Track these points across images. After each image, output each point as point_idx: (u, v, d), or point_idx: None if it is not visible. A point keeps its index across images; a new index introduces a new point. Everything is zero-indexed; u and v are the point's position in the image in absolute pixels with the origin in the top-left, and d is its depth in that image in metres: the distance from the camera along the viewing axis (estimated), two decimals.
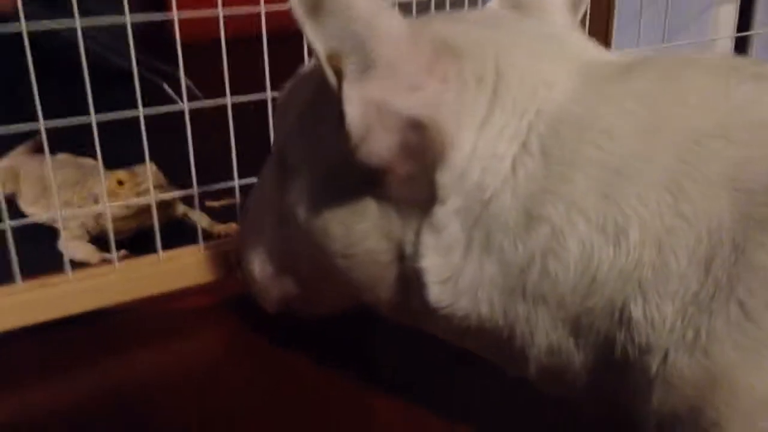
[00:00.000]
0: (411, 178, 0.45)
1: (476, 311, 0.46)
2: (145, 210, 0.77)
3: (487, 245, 0.44)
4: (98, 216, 0.81)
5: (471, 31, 0.47)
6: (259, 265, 0.63)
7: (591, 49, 0.49)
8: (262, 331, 0.71)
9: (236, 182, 0.76)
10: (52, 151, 0.94)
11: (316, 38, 0.42)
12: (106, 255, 0.78)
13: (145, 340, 0.71)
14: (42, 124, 0.63)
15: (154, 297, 0.73)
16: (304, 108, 0.53)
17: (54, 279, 0.68)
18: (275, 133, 0.60)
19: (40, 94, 0.63)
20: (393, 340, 0.71)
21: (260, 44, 0.72)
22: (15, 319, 0.66)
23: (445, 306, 0.47)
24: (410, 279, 0.49)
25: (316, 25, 0.42)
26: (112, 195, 0.78)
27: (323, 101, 0.50)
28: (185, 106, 0.70)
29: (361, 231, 0.49)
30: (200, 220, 0.82)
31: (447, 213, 0.45)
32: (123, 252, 0.77)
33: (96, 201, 0.81)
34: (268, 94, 0.73)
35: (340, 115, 0.44)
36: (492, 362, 0.51)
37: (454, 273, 0.46)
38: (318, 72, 0.52)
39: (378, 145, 0.44)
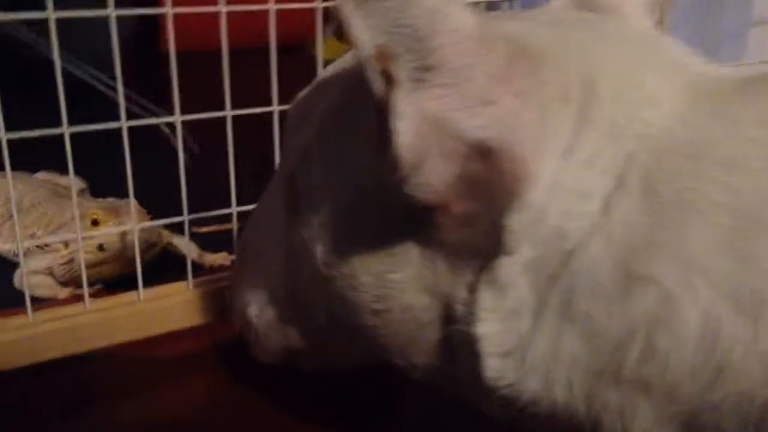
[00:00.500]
0: (470, 219, 0.35)
1: (549, 395, 0.36)
2: (125, 255, 0.67)
3: (567, 311, 0.34)
4: (69, 260, 0.69)
5: (550, 34, 0.38)
6: (257, 309, 0.52)
7: (694, 59, 0.39)
8: (259, 383, 0.61)
9: (234, 209, 0.65)
10: (34, 170, 0.84)
11: (363, 29, 0.32)
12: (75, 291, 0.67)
13: (122, 392, 0.60)
14: (3, 136, 0.53)
15: (133, 342, 0.62)
16: (325, 121, 0.43)
17: (11, 322, 0.57)
18: (284, 151, 0.50)
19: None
20: (405, 401, 0.60)
21: (255, 57, 0.62)
22: None
23: (506, 385, 0.37)
24: (458, 346, 0.39)
25: (365, 13, 0.32)
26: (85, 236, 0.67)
27: (353, 113, 0.40)
28: (177, 118, 0.59)
29: (396, 282, 0.39)
30: (188, 250, 0.71)
31: (514, 266, 0.35)
32: (97, 287, 0.66)
33: (65, 244, 0.69)
34: (275, 107, 0.63)
35: (385, 134, 0.33)
36: None
37: (520, 345, 0.36)
38: (346, 78, 0.42)
39: (432, 176, 0.34)
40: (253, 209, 0.55)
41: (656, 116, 0.34)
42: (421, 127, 0.32)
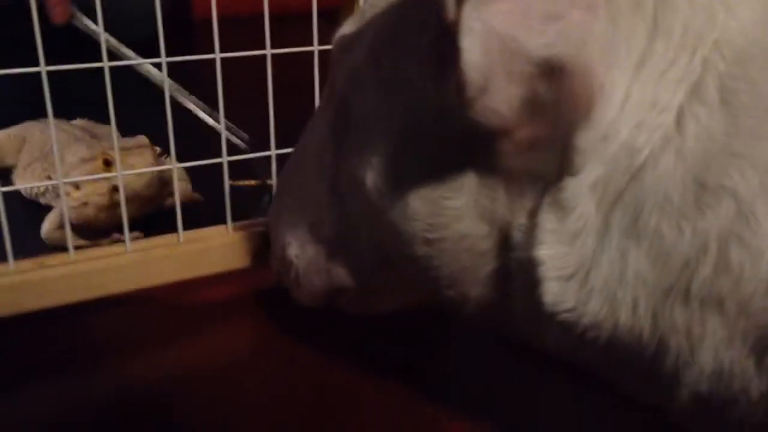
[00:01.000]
0: (534, 143, 0.33)
1: (612, 318, 0.34)
2: (140, 196, 0.66)
3: (634, 229, 0.33)
4: (82, 204, 0.67)
5: None
6: (297, 247, 0.51)
7: None
8: (297, 328, 0.59)
9: (273, 152, 0.64)
10: (71, 118, 0.84)
11: None
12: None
13: (158, 335, 0.60)
14: (43, 69, 0.52)
15: (171, 285, 0.61)
16: (380, 43, 0.41)
17: (52, 260, 0.57)
18: (332, 76, 0.48)
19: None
20: (442, 346, 0.59)
21: (285, 23, 0.60)
22: (6, 305, 0.55)
23: (567, 309, 0.35)
24: (515, 273, 0.37)
25: None
26: (95, 181, 0.65)
27: (410, 35, 0.38)
28: (217, 56, 0.58)
29: (452, 210, 0.38)
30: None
31: (580, 187, 0.33)
32: (136, 234, 0.65)
33: (76, 187, 0.67)
34: (315, 47, 0.61)
35: (449, 55, 0.31)
36: (613, 384, 0.39)
37: (583, 266, 0.34)
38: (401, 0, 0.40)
39: (498, 99, 0.32)
40: (294, 147, 0.54)
41: (732, 23, 0.32)
42: (488, 45, 0.30)
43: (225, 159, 0.61)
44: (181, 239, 0.61)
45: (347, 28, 0.45)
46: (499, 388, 0.55)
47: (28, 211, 0.73)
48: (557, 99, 0.31)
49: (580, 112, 0.32)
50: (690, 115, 0.31)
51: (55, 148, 0.55)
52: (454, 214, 0.37)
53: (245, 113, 0.71)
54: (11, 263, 0.55)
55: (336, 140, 0.45)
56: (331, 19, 0.62)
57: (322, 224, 0.48)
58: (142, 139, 0.66)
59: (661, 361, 0.34)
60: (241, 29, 0.60)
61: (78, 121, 0.83)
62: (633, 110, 0.32)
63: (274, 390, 0.54)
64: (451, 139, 0.36)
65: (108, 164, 0.65)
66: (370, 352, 0.58)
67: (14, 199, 0.73)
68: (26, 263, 0.56)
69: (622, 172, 0.32)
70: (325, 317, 0.54)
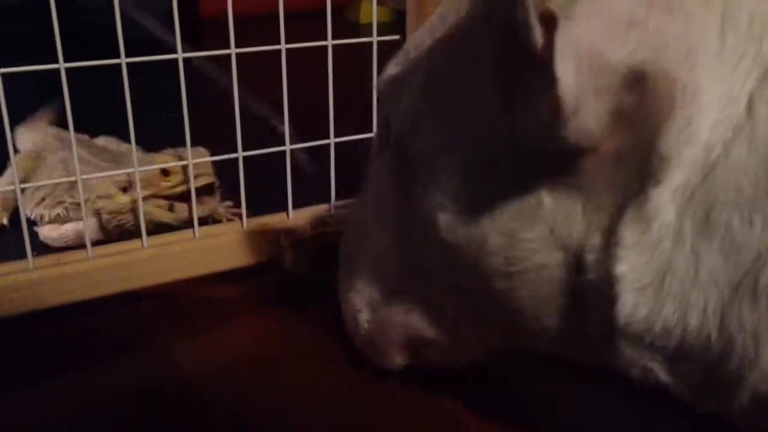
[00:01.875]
0: (619, 155, 0.33)
1: (682, 322, 0.34)
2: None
3: (706, 226, 0.32)
4: (129, 210, 0.66)
5: None
6: (368, 312, 0.50)
7: None
8: (309, 326, 0.60)
9: (288, 147, 0.64)
10: (93, 134, 0.83)
11: None
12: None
13: (173, 330, 0.60)
14: (62, 65, 0.52)
15: (187, 280, 0.62)
16: (436, 82, 0.41)
17: (70, 256, 0.57)
18: (386, 117, 0.46)
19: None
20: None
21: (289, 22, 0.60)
22: (26, 301, 0.55)
23: (641, 317, 0.35)
24: (587, 295, 0.37)
25: None
26: (151, 186, 0.64)
27: (473, 69, 0.38)
28: (233, 51, 0.58)
29: (529, 241, 0.37)
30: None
31: (663, 195, 0.33)
32: None
33: (124, 189, 0.66)
34: (329, 41, 0.61)
35: (521, 82, 0.32)
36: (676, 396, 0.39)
37: (659, 273, 0.34)
38: (452, 35, 0.40)
39: (588, 116, 0.31)
40: (347, 215, 0.52)
41: None
42: (579, 65, 0.30)
43: (240, 154, 0.61)
44: (197, 235, 0.61)
45: (392, 69, 0.45)
46: (522, 389, 0.55)
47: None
48: (641, 106, 0.31)
49: (664, 117, 0.31)
50: (760, 100, 0.31)
51: (74, 145, 0.56)
52: (532, 246, 0.37)
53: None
54: (30, 260, 0.55)
55: (399, 187, 0.44)
56: (335, 17, 0.62)
57: (391, 278, 0.47)
58: (201, 151, 0.64)
59: (725, 364, 0.33)
60: (243, 28, 0.60)
61: (101, 139, 0.81)
62: (712, 108, 0.32)
63: (290, 384, 0.54)
64: (525, 166, 0.36)
65: (166, 174, 0.64)
66: None
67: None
68: (45, 259, 0.56)
69: (697, 171, 0.32)
70: (340, 314, 0.54)
